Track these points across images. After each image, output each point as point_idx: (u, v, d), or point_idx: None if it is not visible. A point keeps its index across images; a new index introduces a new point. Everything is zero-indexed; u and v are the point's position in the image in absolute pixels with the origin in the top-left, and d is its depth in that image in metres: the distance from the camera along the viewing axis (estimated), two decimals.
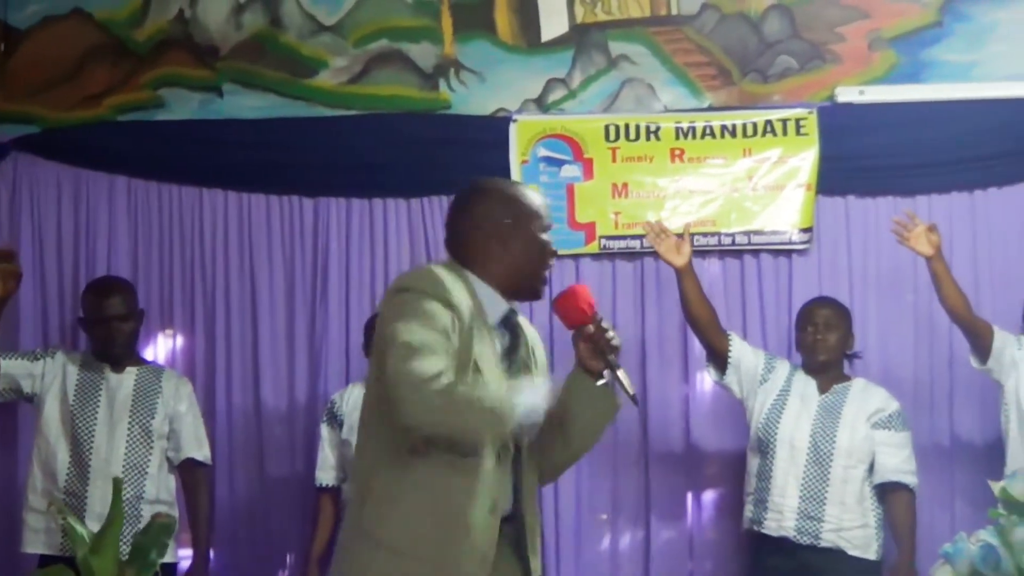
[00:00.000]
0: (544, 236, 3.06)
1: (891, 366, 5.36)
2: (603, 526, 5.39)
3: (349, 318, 5.44)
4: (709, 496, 5.39)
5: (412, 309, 2.83)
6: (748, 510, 4.81)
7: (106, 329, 4.80)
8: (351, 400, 4.90)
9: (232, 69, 5.55)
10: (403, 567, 2.85)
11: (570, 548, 5.31)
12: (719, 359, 4.88)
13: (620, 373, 2.95)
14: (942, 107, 5.36)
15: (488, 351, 2.93)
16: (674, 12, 5.50)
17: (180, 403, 4.89)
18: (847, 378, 4.87)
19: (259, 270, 5.49)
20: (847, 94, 5.41)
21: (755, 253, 5.41)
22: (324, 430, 5.01)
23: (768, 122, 5.40)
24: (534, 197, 3.13)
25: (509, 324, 3.05)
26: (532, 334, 3.15)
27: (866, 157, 5.39)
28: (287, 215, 5.52)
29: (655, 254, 5.17)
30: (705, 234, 5.37)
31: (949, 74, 5.43)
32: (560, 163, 5.41)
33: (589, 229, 5.40)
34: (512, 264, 3.03)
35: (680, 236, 4.87)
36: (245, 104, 5.53)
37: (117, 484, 3.06)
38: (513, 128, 5.43)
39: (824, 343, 4.80)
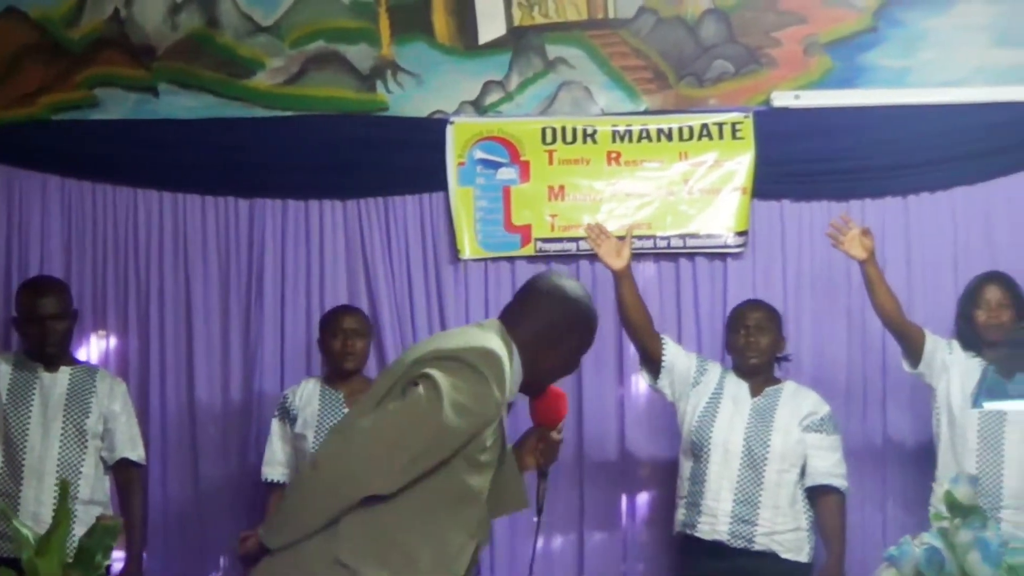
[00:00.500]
0: (578, 350, 3.11)
1: (825, 369, 5.40)
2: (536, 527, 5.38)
3: (284, 319, 5.45)
4: (643, 498, 5.42)
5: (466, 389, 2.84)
6: (680, 513, 4.83)
7: (40, 328, 4.78)
8: (304, 395, 4.92)
9: (168, 69, 5.53)
10: None
11: (504, 549, 5.31)
12: (652, 363, 4.90)
13: (544, 484, 3.09)
14: (876, 112, 5.42)
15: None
16: (611, 15, 5.53)
17: (114, 403, 4.87)
18: (778, 381, 4.91)
19: (194, 271, 5.48)
20: (783, 99, 5.45)
21: (690, 256, 5.44)
22: (275, 425, 5.00)
23: (704, 126, 5.44)
24: (590, 307, 3.13)
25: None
26: None
27: (801, 162, 5.44)
28: (222, 216, 5.51)
29: (591, 256, 5.22)
30: (641, 237, 5.39)
31: (884, 80, 5.48)
32: (497, 165, 5.43)
33: (525, 231, 5.42)
34: (541, 362, 3.02)
35: (621, 238, 4.87)
36: (181, 104, 5.52)
37: (64, 486, 3.06)
38: (450, 130, 5.45)
39: (756, 345, 4.84)
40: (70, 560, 2.99)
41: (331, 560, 2.77)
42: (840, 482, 4.79)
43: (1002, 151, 5.42)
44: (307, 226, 5.49)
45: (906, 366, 4.93)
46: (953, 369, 4.82)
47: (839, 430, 4.88)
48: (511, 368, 2.92)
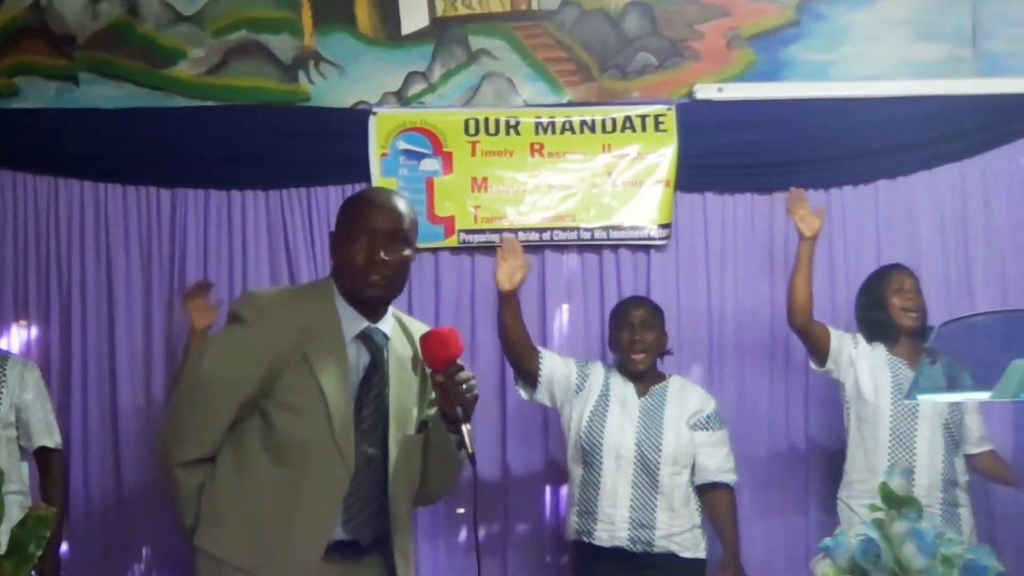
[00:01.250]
0: (356, 244, 3.06)
1: (747, 363, 5.45)
2: (461, 519, 5.41)
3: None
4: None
5: (223, 340, 3.14)
6: (573, 521, 4.80)
7: None
8: None
9: (89, 58, 5.52)
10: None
11: (428, 540, 5.33)
12: (529, 377, 4.88)
13: (464, 428, 3.00)
14: (799, 105, 5.47)
15: (333, 371, 3.03)
16: (534, 7, 5.56)
17: (26, 392, 4.85)
18: (663, 377, 4.92)
19: (116, 262, 5.46)
20: (706, 91, 5.49)
21: (614, 248, 5.47)
22: None
23: (627, 118, 5.47)
24: (364, 199, 3.18)
25: (368, 340, 3.11)
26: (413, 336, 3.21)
27: (724, 154, 5.48)
28: (144, 206, 5.49)
29: None
30: (564, 229, 5.43)
31: (806, 73, 5.53)
32: (420, 156, 5.44)
33: (448, 223, 5.44)
34: (341, 274, 3.11)
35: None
36: (102, 94, 5.50)
37: None
38: (373, 121, 5.46)
39: (642, 343, 4.84)
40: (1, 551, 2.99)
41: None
42: (730, 477, 4.84)
43: (924, 145, 5.49)
44: (229, 216, 5.49)
45: (813, 364, 4.99)
46: (860, 363, 4.87)
47: (725, 423, 4.91)
48: (315, 301, 3.08)
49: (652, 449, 4.73)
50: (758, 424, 5.41)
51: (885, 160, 5.48)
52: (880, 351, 4.88)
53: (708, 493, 4.81)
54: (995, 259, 5.43)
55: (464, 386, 2.98)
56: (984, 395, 3.71)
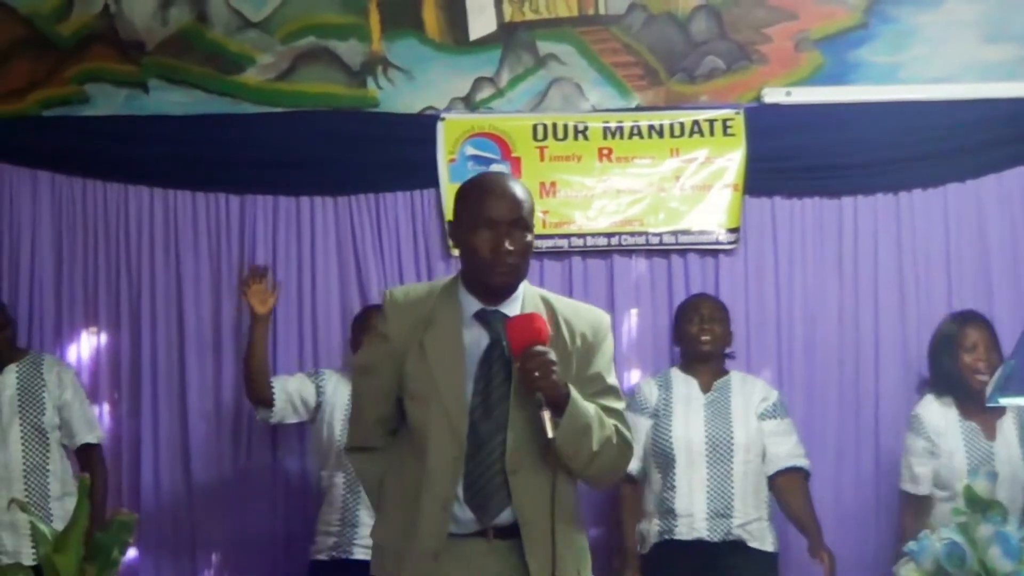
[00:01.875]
0: (479, 236, 3.09)
1: (816, 369, 5.47)
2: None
3: (276, 315, 5.44)
4: None
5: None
6: (655, 526, 4.82)
7: None
8: (333, 384, 5.02)
9: (158, 65, 5.57)
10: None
11: None
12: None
13: (544, 415, 2.98)
14: (867, 109, 5.47)
15: (448, 354, 3.11)
16: (601, 12, 5.57)
17: (65, 391, 4.92)
18: (725, 372, 4.97)
19: (185, 268, 5.52)
20: (774, 95, 5.51)
21: (682, 253, 5.50)
22: (301, 374, 5.13)
23: (695, 122, 5.49)
24: (481, 188, 3.17)
25: (488, 321, 3.14)
26: (572, 319, 3.20)
27: (792, 158, 5.50)
28: (213, 212, 5.54)
29: (584, 253, 5.42)
30: (632, 233, 5.46)
31: (874, 76, 5.54)
32: (488, 162, 5.47)
33: None
34: (465, 263, 3.17)
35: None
36: (171, 100, 5.55)
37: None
38: (441, 126, 5.49)
39: (711, 331, 4.90)
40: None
41: None
42: (804, 461, 4.86)
43: (993, 147, 5.49)
44: (298, 222, 5.53)
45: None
46: (941, 447, 4.69)
47: (789, 413, 4.95)
48: (435, 293, 3.20)
49: (723, 441, 4.79)
50: (827, 430, 5.41)
51: (954, 163, 5.48)
52: (952, 416, 4.71)
53: (782, 479, 4.82)
54: None
55: (537, 372, 2.97)
56: None
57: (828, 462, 5.40)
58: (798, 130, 5.47)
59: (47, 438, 4.84)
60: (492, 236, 3.07)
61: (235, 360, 5.44)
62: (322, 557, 4.85)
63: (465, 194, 3.19)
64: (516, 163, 5.48)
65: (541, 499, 3.09)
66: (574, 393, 3.04)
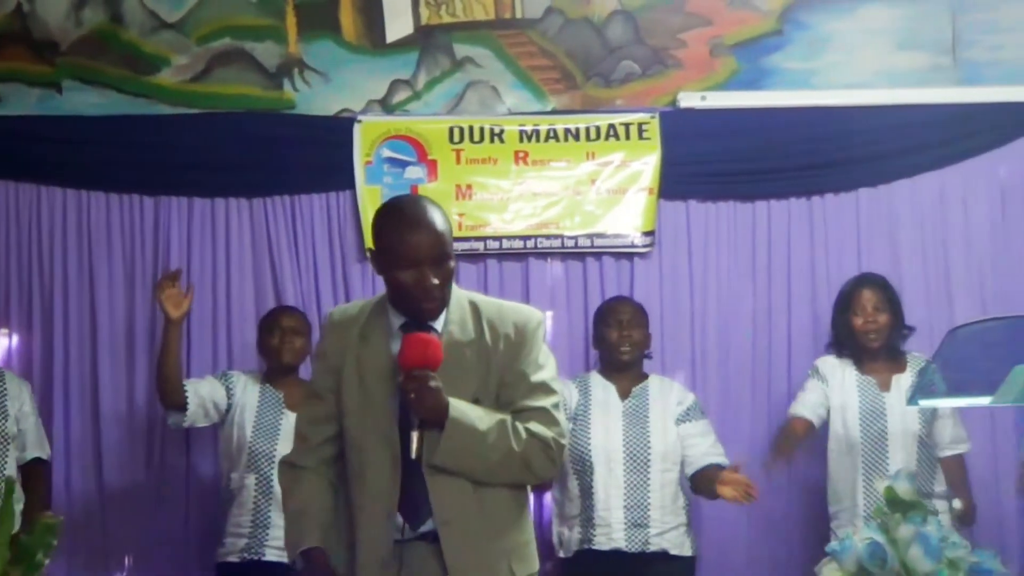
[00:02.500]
0: (404, 274, 3.12)
1: (730, 370, 5.52)
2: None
3: (190, 317, 5.44)
4: None
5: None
6: (576, 533, 4.86)
7: None
8: (243, 385, 5.03)
9: (71, 65, 5.55)
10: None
11: None
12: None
13: (413, 435, 3.08)
14: (781, 114, 5.55)
15: (378, 365, 3.19)
16: (519, 15, 5.62)
17: (24, 403, 4.93)
18: (644, 376, 5.01)
19: (98, 269, 5.49)
20: (689, 99, 5.57)
21: (597, 256, 5.54)
22: (211, 377, 5.12)
23: (611, 126, 5.54)
24: (402, 223, 3.15)
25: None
26: (496, 321, 3.24)
27: (707, 162, 5.56)
28: (127, 214, 5.53)
29: (499, 256, 5.43)
30: (548, 236, 5.49)
31: (788, 81, 5.62)
32: (404, 164, 5.49)
33: None
34: (391, 292, 3.20)
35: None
36: (85, 101, 5.54)
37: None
38: (357, 129, 5.51)
39: (629, 339, 4.94)
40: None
41: None
42: (722, 459, 4.89)
43: (905, 153, 5.58)
44: (213, 224, 5.53)
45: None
46: (834, 399, 4.95)
47: (705, 415, 5.02)
48: (370, 306, 3.29)
49: (641, 449, 4.83)
50: (741, 431, 5.46)
51: (867, 168, 5.56)
52: (849, 372, 4.97)
53: (705, 475, 4.82)
54: (974, 266, 5.52)
55: (412, 395, 3.05)
56: (986, 400, 3.81)
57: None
58: (713, 134, 5.54)
59: (8, 445, 4.82)
60: (416, 274, 3.11)
61: (148, 363, 5.42)
62: (232, 559, 4.84)
63: (384, 229, 3.19)
64: (432, 166, 5.50)
65: (462, 500, 3.14)
66: (455, 414, 3.08)
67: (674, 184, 5.53)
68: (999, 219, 5.59)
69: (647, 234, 5.51)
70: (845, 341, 5.01)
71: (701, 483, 4.85)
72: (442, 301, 3.18)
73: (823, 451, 5.04)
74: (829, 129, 5.53)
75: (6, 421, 4.83)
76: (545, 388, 3.23)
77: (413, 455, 3.05)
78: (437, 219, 3.15)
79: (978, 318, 5.12)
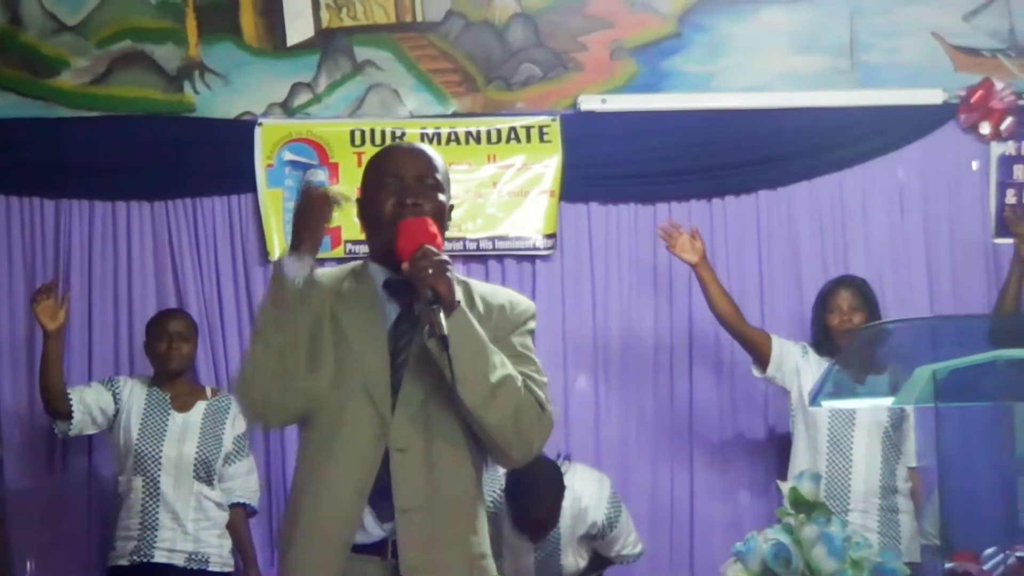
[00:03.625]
0: (382, 193, 2.86)
1: (632, 370, 5.59)
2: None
3: (91, 321, 5.51)
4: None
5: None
6: None
7: None
8: (130, 390, 5.06)
9: None
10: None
11: None
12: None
13: (436, 311, 2.70)
14: (681, 116, 5.63)
15: (364, 324, 2.86)
16: (419, 19, 5.68)
17: None
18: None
19: None
20: (590, 102, 5.64)
21: (499, 258, 5.61)
22: (97, 383, 5.12)
23: (512, 129, 5.60)
24: (387, 149, 3.05)
25: (397, 291, 2.88)
26: (489, 296, 2.96)
27: (608, 165, 5.63)
28: (28, 217, 5.56)
29: None
30: (449, 239, 5.45)
31: (688, 84, 5.70)
32: (305, 167, 5.53)
33: (335, 233, 5.51)
34: (370, 234, 2.95)
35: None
36: None
37: None
38: (258, 132, 5.56)
39: None
40: None
41: None
42: (634, 552, 4.98)
43: (804, 155, 5.68)
44: (114, 227, 5.56)
45: (755, 371, 5.17)
46: (805, 372, 5.03)
47: (619, 507, 4.92)
48: (336, 271, 3.01)
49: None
50: (643, 435, 5.55)
51: (766, 170, 5.66)
52: (828, 361, 5.00)
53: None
54: (873, 269, 5.59)
55: (430, 270, 2.70)
56: (888, 400, 3.88)
57: (644, 471, 5.54)
58: (614, 137, 5.61)
59: None
60: (397, 191, 2.86)
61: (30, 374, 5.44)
62: (122, 562, 4.89)
63: (371, 160, 3.00)
64: (334, 169, 5.55)
65: (425, 483, 2.80)
66: (465, 308, 2.78)
67: (575, 187, 5.60)
68: (898, 221, 5.69)
69: (549, 237, 5.58)
70: (822, 340, 5.09)
71: None
72: None
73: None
74: (729, 131, 5.61)
75: None
76: (537, 366, 2.92)
77: (444, 330, 2.66)
78: (429, 150, 2.98)
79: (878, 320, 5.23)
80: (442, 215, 2.89)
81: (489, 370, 2.76)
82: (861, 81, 5.70)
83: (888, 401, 3.98)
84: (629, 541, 4.93)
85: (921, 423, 5.03)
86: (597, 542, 4.89)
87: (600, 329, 5.61)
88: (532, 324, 2.97)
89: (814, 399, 4.23)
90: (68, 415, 4.94)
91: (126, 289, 5.53)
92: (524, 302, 3.00)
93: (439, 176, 2.92)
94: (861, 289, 5.09)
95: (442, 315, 2.68)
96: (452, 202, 2.98)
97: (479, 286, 3.00)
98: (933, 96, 5.66)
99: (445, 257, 2.75)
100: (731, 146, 5.61)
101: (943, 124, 5.68)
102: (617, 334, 5.61)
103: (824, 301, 5.10)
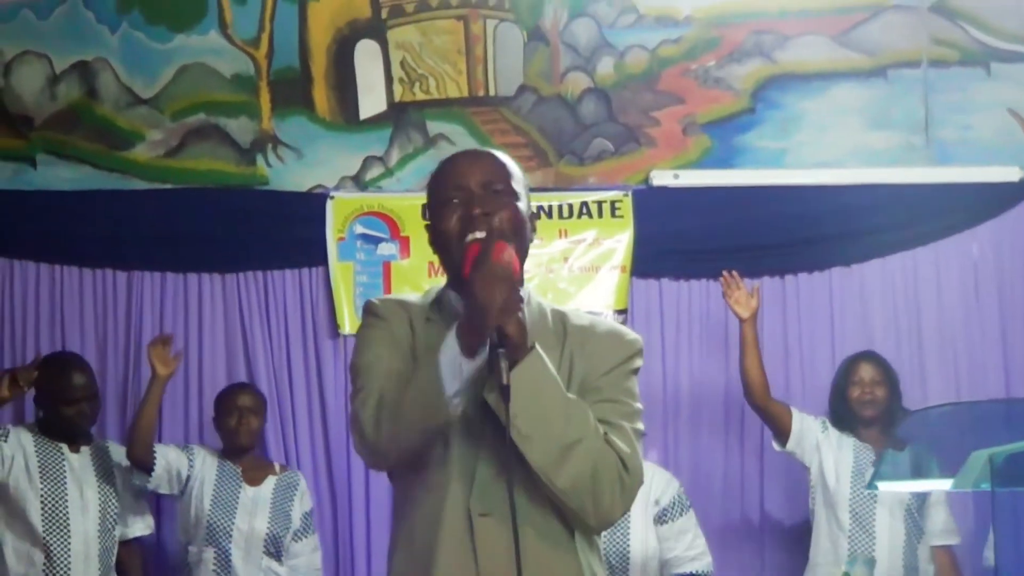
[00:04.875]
0: (447, 208, 2.53)
1: (703, 446, 5.60)
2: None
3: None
4: None
5: (361, 335, 2.63)
6: None
7: None
8: (203, 460, 5.11)
9: (46, 139, 5.67)
10: None
11: None
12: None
13: (499, 356, 2.36)
14: (753, 192, 5.68)
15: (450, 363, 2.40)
16: (492, 93, 5.74)
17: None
18: None
19: (71, 345, 5.56)
20: (662, 177, 5.68)
21: None
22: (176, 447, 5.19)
23: (584, 204, 5.64)
24: (452, 156, 2.67)
25: None
26: (583, 328, 2.61)
27: (680, 240, 5.68)
28: (100, 289, 5.63)
29: None
30: None
31: (761, 160, 5.74)
32: (377, 241, 5.59)
33: None
34: (442, 257, 2.60)
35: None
36: (59, 175, 5.66)
37: None
38: (330, 205, 5.62)
39: None
40: None
41: None
42: (701, 567, 4.93)
43: (877, 232, 5.69)
44: (186, 299, 5.63)
45: (775, 445, 5.17)
46: (825, 448, 5.04)
47: (688, 506, 4.98)
48: (423, 300, 2.64)
49: (619, 557, 4.81)
50: (712, 511, 5.54)
51: (839, 247, 5.68)
52: (846, 438, 5.08)
53: None
54: (948, 346, 5.61)
55: (499, 275, 2.33)
56: (946, 484, 3.87)
57: (713, 542, 5.51)
58: (685, 212, 5.65)
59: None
60: (463, 203, 2.51)
61: (120, 436, 5.49)
62: None
63: (433, 175, 2.65)
64: (405, 242, 5.61)
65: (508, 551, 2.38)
66: (541, 351, 2.41)
67: (647, 262, 5.64)
68: (972, 299, 5.69)
69: (620, 312, 5.60)
70: (842, 414, 5.11)
71: None
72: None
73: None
74: (801, 207, 5.64)
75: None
76: (633, 411, 2.56)
77: (504, 379, 2.32)
78: (499, 152, 2.65)
79: (952, 400, 5.24)
80: (520, 229, 2.55)
81: (562, 427, 2.40)
82: (935, 158, 5.73)
83: (946, 485, 3.98)
84: (696, 545, 4.90)
85: (960, 503, 5.07)
86: (662, 529, 4.87)
87: (671, 404, 5.63)
88: (637, 362, 2.61)
89: (870, 483, 4.26)
90: (149, 468, 4.98)
91: (196, 361, 5.59)
92: (628, 335, 2.63)
93: (513, 182, 2.58)
94: (883, 364, 5.12)
95: (504, 364, 2.34)
96: (527, 276, 2.57)
97: (578, 317, 2.63)
98: (1009, 174, 5.69)
99: (518, 291, 2.38)
100: (804, 222, 5.64)
101: (1019, 202, 5.71)
102: (687, 409, 5.63)
103: (846, 374, 5.11)
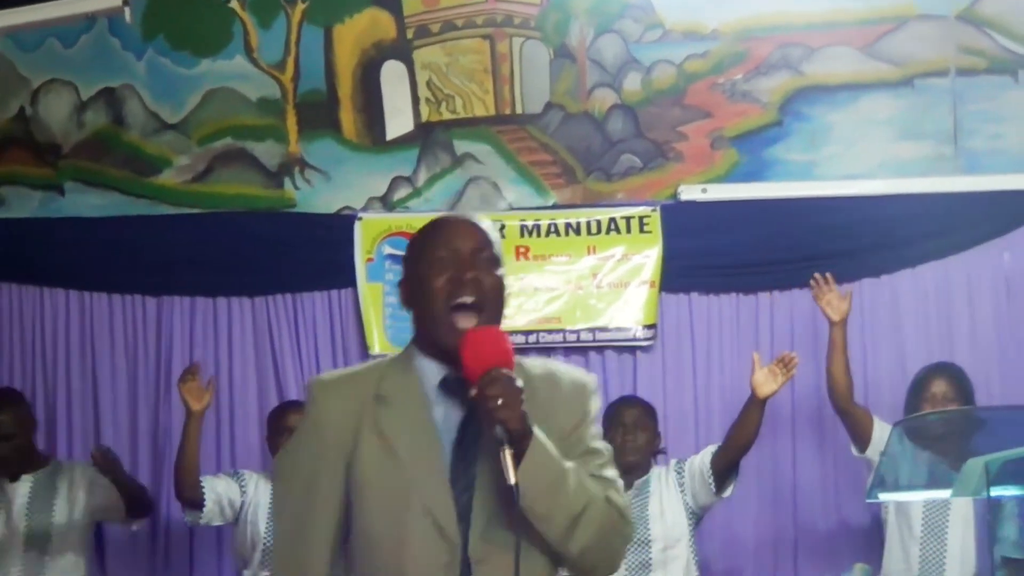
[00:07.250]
0: (434, 269, 2.59)
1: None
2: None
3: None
4: None
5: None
6: None
7: None
8: (255, 484, 5.18)
9: (74, 167, 5.82)
10: None
11: None
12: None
13: (505, 452, 2.45)
14: (782, 205, 5.76)
15: (421, 441, 2.56)
16: (518, 111, 5.85)
17: None
18: (646, 471, 5.14)
19: (101, 371, 5.73)
20: (690, 192, 5.77)
21: (600, 350, 5.74)
22: (225, 476, 5.27)
23: (612, 220, 5.73)
24: (436, 222, 2.71)
25: (456, 391, 2.58)
26: (543, 380, 2.66)
27: (709, 255, 5.77)
28: (129, 315, 5.78)
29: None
30: (550, 331, 5.67)
31: (789, 173, 5.83)
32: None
33: None
34: (420, 321, 2.65)
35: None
36: (87, 202, 5.81)
37: None
38: (358, 226, 5.74)
39: (633, 443, 5.07)
40: None
41: None
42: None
43: (907, 243, 5.77)
44: (215, 323, 5.76)
45: (854, 450, 5.24)
46: None
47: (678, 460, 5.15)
48: (363, 370, 2.73)
49: (640, 544, 4.92)
50: (746, 526, 5.63)
51: (869, 258, 5.76)
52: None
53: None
54: (980, 356, 5.68)
55: (500, 400, 2.43)
56: (945, 493, 3.92)
57: (747, 556, 5.58)
58: (714, 227, 5.75)
59: None
60: (452, 265, 2.58)
61: (151, 463, 5.65)
62: None
63: (419, 234, 2.72)
64: None
65: None
66: (539, 433, 2.50)
67: (676, 277, 5.73)
68: (1004, 308, 5.77)
69: (649, 327, 5.69)
70: None
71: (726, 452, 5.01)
72: (483, 312, 2.58)
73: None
74: (831, 220, 5.72)
75: None
76: (607, 458, 2.69)
77: (511, 479, 2.42)
78: (481, 221, 2.68)
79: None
80: (502, 295, 2.63)
81: (568, 500, 2.53)
82: (965, 167, 5.81)
83: (945, 494, 4.02)
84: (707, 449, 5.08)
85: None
86: (684, 472, 5.04)
87: (702, 420, 5.71)
88: (596, 405, 2.73)
89: (869, 493, 4.32)
90: (200, 504, 5.06)
91: (227, 385, 5.72)
92: (587, 381, 2.73)
93: (495, 250, 2.65)
94: (958, 378, 5.13)
95: (510, 460, 2.44)
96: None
97: (534, 368, 2.66)
98: None
99: (519, 383, 2.46)
100: (833, 234, 5.71)
101: None
102: (719, 425, 5.67)
103: (919, 388, 5.14)
